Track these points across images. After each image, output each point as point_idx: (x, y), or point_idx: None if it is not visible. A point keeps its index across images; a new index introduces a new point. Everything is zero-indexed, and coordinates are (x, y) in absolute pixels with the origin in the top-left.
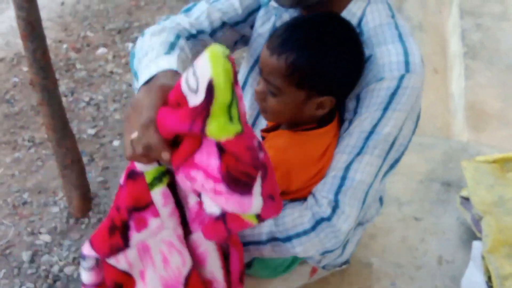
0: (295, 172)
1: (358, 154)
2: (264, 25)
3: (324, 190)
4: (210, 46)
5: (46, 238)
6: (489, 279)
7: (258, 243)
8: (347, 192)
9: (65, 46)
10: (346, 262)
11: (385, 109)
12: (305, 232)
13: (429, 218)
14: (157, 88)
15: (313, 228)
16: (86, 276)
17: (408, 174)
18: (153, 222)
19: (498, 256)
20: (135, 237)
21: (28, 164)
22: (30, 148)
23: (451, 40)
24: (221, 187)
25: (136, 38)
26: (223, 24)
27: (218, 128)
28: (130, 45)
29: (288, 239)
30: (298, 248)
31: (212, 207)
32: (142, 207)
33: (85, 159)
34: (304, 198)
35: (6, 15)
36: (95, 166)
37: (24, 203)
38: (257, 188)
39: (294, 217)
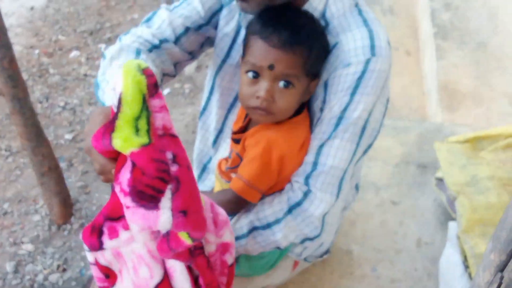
0: (287, 158)
1: (328, 138)
2: (229, 24)
3: (297, 175)
4: (126, 62)
5: (29, 247)
6: (465, 259)
7: (240, 237)
8: (319, 177)
9: (37, 51)
10: (327, 252)
11: (353, 93)
12: (283, 217)
13: (406, 201)
14: (98, 113)
15: (289, 212)
16: (88, 256)
17: (384, 158)
18: (123, 234)
19: (473, 236)
20: (107, 243)
21: (7, 174)
22: (7, 158)
23: (422, 21)
24: (128, 200)
25: (109, 38)
26: (187, 30)
27: (122, 141)
28: (103, 46)
29: (268, 226)
30: (278, 234)
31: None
32: (115, 218)
33: (63, 165)
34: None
35: None
36: (75, 171)
37: (5, 213)
38: (165, 202)
39: (273, 203)
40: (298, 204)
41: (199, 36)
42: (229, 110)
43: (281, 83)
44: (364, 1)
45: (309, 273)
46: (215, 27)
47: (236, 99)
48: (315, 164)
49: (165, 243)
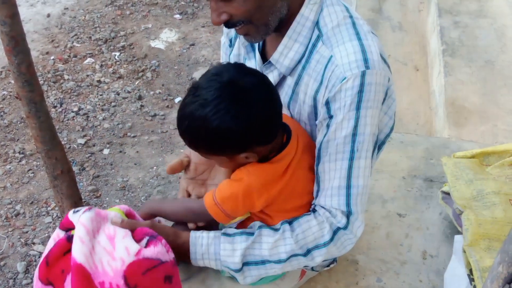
0: (256, 192)
1: (351, 158)
2: (238, 49)
3: (335, 202)
4: None
5: (39, 248)
6: (470, 272)
7: (278, 261)
8: (357, 200)
9: (52, 57)
10: (334, 261)
11: (358, 108)
12: (325, 244)
13: (412, 214)
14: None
15: (332, 239)
16: None
17: (391, 171)
18: None
19: (478, 249)
20: None
21: (20, 176)
22: (21, 160)
23: (431, 38)
24: None
25: (123, 47)
26: None
27: None
28: (116, 54)
29: (308, 252)
30: (318, 258)
31: None
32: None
33: (75, 169)
34: (303, 213)
35: None
36: (86, 175)
37: (17, 214)
38: None
39: (313, 231)
40: (343, 228)
41: None
42: None
43: None
44: (361, 16)
45: (315, 281)
46: None
47: None
48: (348, 187)
49: None
